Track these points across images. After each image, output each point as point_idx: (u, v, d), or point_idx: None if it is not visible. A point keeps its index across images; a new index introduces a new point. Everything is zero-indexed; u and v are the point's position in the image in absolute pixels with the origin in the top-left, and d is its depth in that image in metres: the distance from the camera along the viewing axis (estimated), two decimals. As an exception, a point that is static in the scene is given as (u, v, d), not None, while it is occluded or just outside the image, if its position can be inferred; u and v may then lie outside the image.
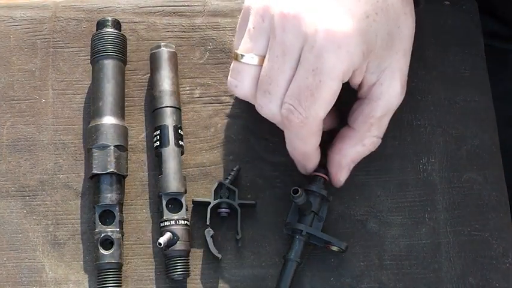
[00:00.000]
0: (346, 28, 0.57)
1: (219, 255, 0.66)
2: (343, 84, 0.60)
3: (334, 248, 0.65)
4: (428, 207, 0.68)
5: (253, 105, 0.63)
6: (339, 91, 0.59)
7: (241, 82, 0.63)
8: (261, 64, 0.61)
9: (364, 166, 0.69)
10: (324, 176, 0.66)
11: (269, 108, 0.62)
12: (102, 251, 0.64)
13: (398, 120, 0.71)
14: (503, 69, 0.84)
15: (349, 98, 0.65)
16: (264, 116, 0.63)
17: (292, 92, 0.59)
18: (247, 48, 0.62)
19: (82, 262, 0.66)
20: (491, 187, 0.69)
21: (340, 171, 0.66)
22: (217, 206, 0.66)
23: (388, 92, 0.63)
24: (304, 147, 0.63)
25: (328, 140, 0.66)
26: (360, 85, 0.64)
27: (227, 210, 0.66)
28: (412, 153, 0.70)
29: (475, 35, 0.74)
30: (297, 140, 0.63)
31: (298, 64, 0.59)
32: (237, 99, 0.70)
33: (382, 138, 0.66)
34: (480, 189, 0.69)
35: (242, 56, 0.62)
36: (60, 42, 0.72)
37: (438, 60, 0.73)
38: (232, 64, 0.63)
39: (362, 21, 0.58)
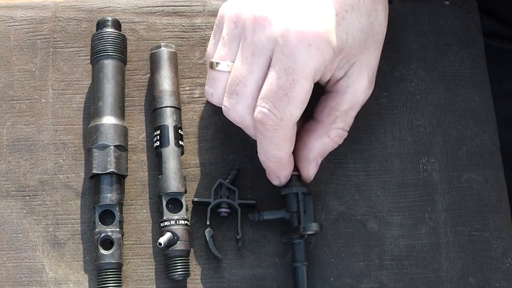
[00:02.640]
0: (317, 27, 0.58)
1: (219, 255, 0.66)
2: None
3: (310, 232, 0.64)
4: (428, 207, 0.69)
5: None
6: (311, 90, 0.59)
7: (216, 90, 0.63)
8: None
9: (364, 166, 0.69)
10: (297, 173, 0.66)
11: (236, 110, 0.61)
12: (102, 251, 0.64)
13: (399, 120, 0.71)
14: (503, 69, 0.85)
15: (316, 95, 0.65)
16: (231, 120, 0.63)
17: (265, 94, 0.59)
18: (221, 56, 0.62)
19: (82, 262, 0.66)
20: (491, 187, 0.69)
21: (308, 166, 0.65)
22: (217, 206, 0.66)
23: (354, 86, 0.63)
24: (278, 153, 0.62)
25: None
26: (328, 79, 0.64)
27: (227, 210, 0.66)
28: (412, 153, 0.70)
29: (475, 35, 0.74)
30: (271, 146, 0.62)
31: (268, 66, 0.59)
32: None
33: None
34: (480, 189, 0.69)
35: (217, 64, 0.63)
36: (60, 42, 0.72)
37: (438, 60, 0.73)
38: (208, 73, 0.64)
39: (332, 20, 0.59)
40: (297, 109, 0.59)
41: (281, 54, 0.58)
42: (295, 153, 0.65)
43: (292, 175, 0.65)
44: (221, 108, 0.63)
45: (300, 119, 0.61)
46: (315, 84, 0.60)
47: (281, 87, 0.58)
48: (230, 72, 0.62)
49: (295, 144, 0.64)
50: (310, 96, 0.60)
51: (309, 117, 0.65)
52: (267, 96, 0.59)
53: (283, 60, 0.58)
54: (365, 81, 0.63)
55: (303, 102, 0.59)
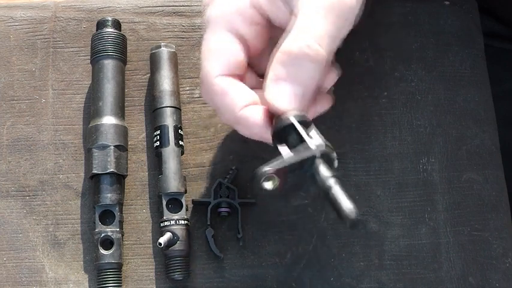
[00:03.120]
0: None
1: (221, 255, 0.66)
2: None
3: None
4: (428, 207, 0.69)
5: None
6: (232, 43, 0.57)
7: None
8: None
9: (364, 166, 0.69)
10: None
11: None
12: (102, 251, 0.64)
13: (399, 120, 0.71)
14: (503, 69, 0.85)
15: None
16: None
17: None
18: None
19: (82, 262, 0.66)
20: (491, 187, 0.69)
21: (270, 88, 0.55)
22: (217, 206, 0.66)
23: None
24: (223, 114, 0.57)
25: None
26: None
27: (227, 209, 0.66)
28: (412, 153, 0.70)
29: (475, 35, 0.75)
30: (217, 109, 0.58)
31: None
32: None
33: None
34: (480, 189, 0.69)
35: None
36: (60, 42, 0.72)
37: (438, 60, 0.73)
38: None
39: None
40: (218, 64, 0.57)
41: (207, 19, 0.59)
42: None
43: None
44: None
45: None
46: None
47: (206, 48, 0.58)
48: None
49: None
50: None
51: None
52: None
53: (207, 22, 0.59)
54: None
55: (225, 56, 0.57)
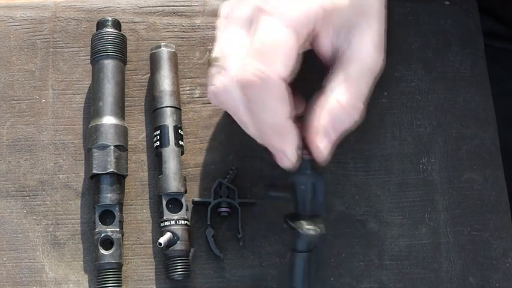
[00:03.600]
0: None
1: (221, 255, 0.66)
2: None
3: (311, 231, 0.60)
4: (428, 207, 0.69)
5: None
6: (297, 45, 0.56)
7: (216, 86, 0.60)
8: None
9: (364, 166, 0.69)
10: (308, 155, 0.60)
11: (223, 85, 0.58)
12: (102, 251, 0.64)
13: (399, 120, 0.71)
14: (503, 69, 0.85)
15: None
16: (219, 102, 0.59)
17: (248, 53, 0.56)
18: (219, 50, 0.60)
19: (82, 262, 0.66)
20: (491, 187, 0.69)
21: (317, 138, 0.58)
22: (217, 206, 0.66)
23: (361, 53, 0.59)
24: (274, 119, 0.57)
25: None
26: (333, 55, 0.61)
27: (227, 209, 0.66)
28: (412, 153, 0.70)
29: (475, 35, 0.75)
30: (264, 114, 0.57)
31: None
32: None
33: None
34: (480, 189, 0.69)
35: (216, 58, 0.60)
36: (60, 42, 0.72)
37: (438, 60, 0.73)
38: (209, 72, 0.61)
39: None
40: (282, 65, 0.55)
41: (262, 12, 0.56)
42: (306, 132, 0.60)
43: (303, 159, 0.59)
44: (221, 109, 0.62)
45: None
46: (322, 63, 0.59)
47: (264, 43, 0.55)
48: None
49: (305, 129, 0.60)
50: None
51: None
52: (250, 55, 0.55)
53: (265, 14, 0.55)
54: (369, 45, 0.59)
55: (288, 57, 0.55)
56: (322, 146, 0.59)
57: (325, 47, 0.60)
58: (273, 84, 0.55)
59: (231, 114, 0.60)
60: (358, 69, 0.59)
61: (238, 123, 0.60)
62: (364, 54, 0.59)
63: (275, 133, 0.58)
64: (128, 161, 0.68)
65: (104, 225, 0.65)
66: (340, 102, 0.58)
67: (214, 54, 0.61)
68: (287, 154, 0.59)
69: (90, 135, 0.66)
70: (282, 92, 0.56)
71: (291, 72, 0.56)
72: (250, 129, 0.60)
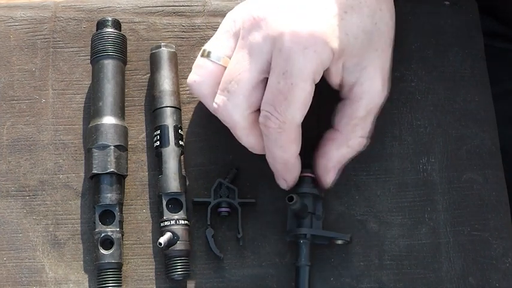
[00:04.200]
0: (312, 28, 0.58)
1: (221, 255, 0.66)
2: (324, 86, 0.60)
3: (339, 242, 0.65)
4: (428, 207, 0.68)
5: None
6: (312, 92, 0.59)
7: (201, 77, 0.63)
8: (226, 65, 0.62)
9: (364, 166, 0.69)
10: (311, 175, 0.66)
11: (226, 108, 0.61)
12: (102, 251, 0.64)
13: (399, 120, 0.71)
14: (503, 69, 0.85)
15: (331, 102, 0.65)
16: (220, 117, 0.63)
17: (266, 98, 0.60)
18: (215, 46, 0.63)
19: (82, 262, 0.66)
20: (491, 187, 0.69)
21: (327, 174, 0.65)
22: (217, 206, 0.66)
23: (369, 92, 0.63)
24: (284, 155, 0.62)
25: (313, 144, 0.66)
26: (341, 86, 0.64)
27: (227, 209, 0.66)
28: (412, 153, 0.70)
29: (475, 35, 0.74)
30: (276, 148, 0.62)
31: (265, 68, 0.60)
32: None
33: (377, 139, 0.66)
34: (480, 189, 0.69)
35: (209, 52, 0.63)
36: (60, 42, 0.72)
37: (438, 60, 0.73)
38: (196, 60, 0.64)
39: (330, 20, 0.59)
40: (298, 112, 0.59)
41: (278, 57, 0.58)
42: (315, 160, 0.65)
43: (304, 176, 0.65)
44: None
45: (321, 126, 0.64)
46: (333, 91, 0.62)
47: (280, 91, 0.59)
48: (219, 64, 0.62)
49: (315, 151, 0.65)
50: (329, 104, 0.63)
51: (329, 125, 0.66)
52: (268, 100, 0.60)
53: (281, 64, 0.58)
54: (379, 84, 0.63)
55: (304, 104, 0.59)
56: (330, 179, 0.65)
57: (334, 79, 0.63)
58: (289, 129, 0.60)
59: (222, 122, 0.64)
60: (366, 108, 0.63)
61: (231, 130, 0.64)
62: (373, 94, 0.63)
63: (282, 164, 0.63)
64: (128, 161, 0.68)
65: (104, 225, 0.65)
66: (351, 147, 0.64)
67: (207, 47, 0.64)
68: (288, 182, 0.65)
69: (90, 135, 0.66)
70: (296, 134, 0.61)
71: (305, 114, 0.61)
72: (246, 143, 0.64)
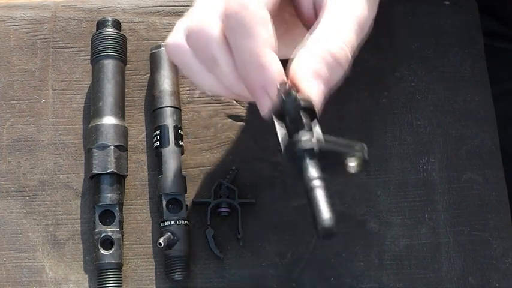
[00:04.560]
0: None
1: (221, 255, 0.66)
2: None
3: (352, 162, 0.51)
4: (428, 207, 0.69)
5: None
6: None
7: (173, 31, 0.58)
8: None
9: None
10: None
11: (201, 17, 0.55)
12: (102, 251, 0.64)
13: (399, 120, 0.71)
14: (503, 69, 0.85)
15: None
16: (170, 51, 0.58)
17: None
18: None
19: (82, 262, 0.66)
20: (491, 187, 0.69)
21: (309, 83, 0.53)
22: (217, 206, 0.66)
23: (345, 1, 0.56)
24: (252, 42, 0.53)
25: None
26: (314, 10, 0.58)
27: (227, 209, 0.66)
28: (412, 153, 0.70)
29: (475, 35, 0.75)
30: (243, 39, 0.53)
31: None
32: (238, 101, 0.70)
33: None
34: (480, 189, 0.69)
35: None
36: (60, 42, 0.72)
37: (438, 60, 0.73)
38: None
39: None
40: None
41: None
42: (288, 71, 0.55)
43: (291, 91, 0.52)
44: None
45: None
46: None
47: None
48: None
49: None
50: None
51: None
52: None
53: None
54: None
55: None
56: (314, 90, 0.54)
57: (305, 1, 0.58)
58: (252, 5, 0.53)
59: (182, 66, 0.58)
60: (344, 16, 0.56)
61: (192, 78, 0.58)
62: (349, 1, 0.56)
63: (256, 64, 0.53)
64: (128, 161, 0.68)
65: (104, 225, 0.65)
66: (330, 49, 0.54)
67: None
68: (268, 90, 0.53)
69: (90, 135, 0.66)
70: (262, 15, 0.53)
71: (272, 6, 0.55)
72: (208, 80, 0.57)
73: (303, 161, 0.49)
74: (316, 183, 0.48)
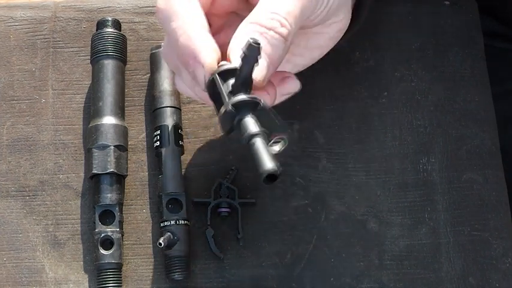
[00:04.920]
0: None
1: (221, 255, 0.66)
2: None
3: (277, 146, 0.51)
4: (428, 207, 0.69)
5: None
6: None
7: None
8: None
9: (364, 166, 0.69)
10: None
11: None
12: (102, 251, 0.64)
13: (399, 120, 0.71)
14: (503, 69, 0.85)
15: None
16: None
17: None
18: None
19: (82, 262, 0.66)
20: (491, 187, 0.69)
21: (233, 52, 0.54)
22: (217, 206, 0.66)
23: None
24: (175, 23, 0.55)
25: None
26: None
27: (227, 209, 0.66)
28: (412, 153, 0.70)
29: (475, 35, 0.75)
30: (168, 24, 0.55)
31: None
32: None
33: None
34: (480, 189, 0.69)
35: None
36: (60, 42, 0.72)
37: (438, 60, 0.73)
38: None
39: None
40: None
41: None
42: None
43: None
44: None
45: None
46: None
47: None
48: None
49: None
50: None
51: None
52: None
53: None
54: None
55: None
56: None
57: None
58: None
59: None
60: None
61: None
62: None
63: (183, 39, 0.55)
64: (128, 161, 0.68)
65: (104, 225, 0.65)
66: (259, 21, 0.55)
67: None
68: (199, 59, 0.54)
69: (90, 135, 0.66)
70: (183, 3, 0.55)
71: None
72: (179, 84, 0.59)
73: (245, 116, 0.51)
74: (257, 136, 0.50)
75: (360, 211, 0.68)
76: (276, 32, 0.55)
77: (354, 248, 0.67)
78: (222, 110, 0.52)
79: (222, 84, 0.53)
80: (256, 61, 0.51)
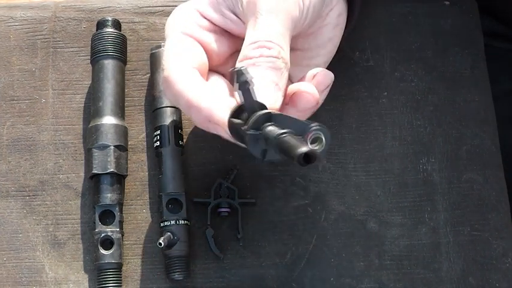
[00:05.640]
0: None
1: (221, 255, 0.66)
2: None
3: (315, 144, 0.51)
4: (428, 207, 0.69)
5: None
6: (185, 42, 0.60)
7: None
8: None
9: (364, 166, 0.69)
10: None
11: None
12: (102, 251, 0.64)
13: (399, 120, 0.71)
14: (503, 69, 0.84)
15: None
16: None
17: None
18: None
19: (82, 262, 0.66)
20: (491, 187, 0.69)
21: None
22: (217, 206, 0.66)
23: None
24: (181, 99, 0.58)
25: None
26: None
27: (227, 209, 0.66)
28: (412, 153, 0.70)
29: (475, 35, 0.75)
30: (176, 98, 0.59)
31: None
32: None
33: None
34: (480, 189, 0.69)
35: None
36: (60, 42, 0.72)
37: (438, 60, 0.73)
38: None
39: None
40: (170, 58, 0.59)
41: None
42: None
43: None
44: None
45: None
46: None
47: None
48: None
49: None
50: None
51: None
52: None
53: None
54: None
55: (174, 54, 0.59)
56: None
57: (233, 25, 0.61)
58: (173, 71, 0.58)
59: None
60: (264, 8, 0.58)
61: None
62: None
63: (194, 111, 0.58)
64: (128, 161, 0.68)
65: (104, 225, 0.65)
66: (254, 40, 0.57)
67: None
68: (212, 120, 0.58)
69: (90, 135, 0.66)
70: (183, 74, 0.58)
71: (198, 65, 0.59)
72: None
73: (264, 128, 0.51)
74: (283, 134, 0.49)
75: (360, 211, 0.68)
76: (266, 56, 0.57)
77: (354, 248, 0.67)
78: (246, 138, 0.52)
79: (239, 123, 0.54)
80: (251, 83, 0.52)
